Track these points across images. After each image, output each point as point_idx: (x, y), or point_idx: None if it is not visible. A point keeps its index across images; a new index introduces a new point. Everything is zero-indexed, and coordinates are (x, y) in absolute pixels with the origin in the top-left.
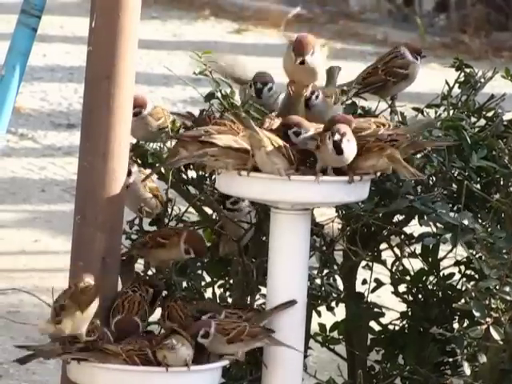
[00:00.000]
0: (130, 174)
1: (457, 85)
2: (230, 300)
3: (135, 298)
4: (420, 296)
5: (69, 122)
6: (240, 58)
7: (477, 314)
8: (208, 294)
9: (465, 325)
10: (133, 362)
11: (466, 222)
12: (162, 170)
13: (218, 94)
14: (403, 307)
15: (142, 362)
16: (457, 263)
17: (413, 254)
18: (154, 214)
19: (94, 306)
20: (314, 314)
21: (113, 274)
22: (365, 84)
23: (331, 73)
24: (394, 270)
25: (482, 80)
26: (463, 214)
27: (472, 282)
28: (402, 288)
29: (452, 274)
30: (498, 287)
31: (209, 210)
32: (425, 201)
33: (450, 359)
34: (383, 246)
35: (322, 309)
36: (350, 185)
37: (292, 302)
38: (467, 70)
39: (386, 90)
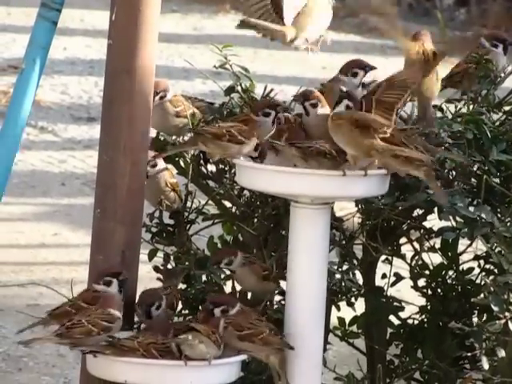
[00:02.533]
0: (155, 166)
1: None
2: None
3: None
4: (439, 290)
5: (89, 115)
6: None
7: (495, 308)
8: (227, 287)
9: (484, 319)
10: (151, 356)
11: (483, 215)
12: (182, 163)
13: (239, 88)
14: (422, 301)
15: (161, 354)
16: (476, 257)
17: (432, 249)
18: (174, 208)
19: None
20: (333, 308)
21: (133, 268)
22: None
23: None
24: (413, 264)
25: (502, 74)
26: (481, 207)
27: (491, 277)
28: (421, 282)
29: (471, 269)
30: None
31: (228, 204)
32: None
33: (469, 353)
34: (403, 240)
35: (341, 303)
36: (371, 179)
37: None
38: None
39: (468, 79)
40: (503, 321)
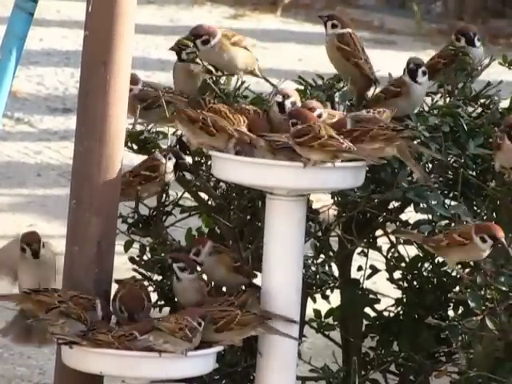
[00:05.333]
0: None
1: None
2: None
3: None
4: (415, 283)
5: (65, 106)
6: None
7: (472, 304)
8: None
9: (459, 312)
10: (125, 348)
11: (459, 213)
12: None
13: (210, 81)
14: (398, 294)
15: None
16: None
17: (408, 241)
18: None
19: None
20: (309, 300)
21: (108, 259)
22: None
23: None
24: (389, 256)
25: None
26: (457, 205)
27: (467, 270)
28: (397, 275)
29: None
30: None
31: (205, 196)
32: (418, 191)
33: (445, 347)
34: (379, 232)
35: (317, 295)
36: (346, 171)
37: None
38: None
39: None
40: (480, 317)
